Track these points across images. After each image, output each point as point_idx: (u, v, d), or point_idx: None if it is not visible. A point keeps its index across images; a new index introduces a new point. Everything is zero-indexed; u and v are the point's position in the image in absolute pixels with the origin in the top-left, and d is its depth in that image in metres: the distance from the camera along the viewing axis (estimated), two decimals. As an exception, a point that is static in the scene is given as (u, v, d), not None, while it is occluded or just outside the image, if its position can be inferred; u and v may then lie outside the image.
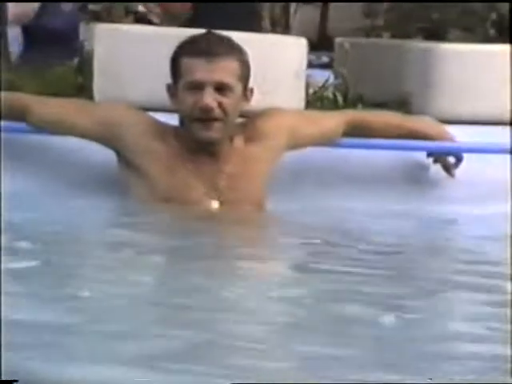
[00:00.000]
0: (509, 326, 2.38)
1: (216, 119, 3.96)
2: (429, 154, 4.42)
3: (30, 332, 2.11)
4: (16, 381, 1.47)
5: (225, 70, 4.04)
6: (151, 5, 5.16)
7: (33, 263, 3.06)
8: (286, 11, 5.58)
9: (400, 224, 4.22)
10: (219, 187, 4.14)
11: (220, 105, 3.94)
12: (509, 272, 3.29)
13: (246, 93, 3.97)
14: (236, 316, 2.54)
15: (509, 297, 2.90)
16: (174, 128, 4.06)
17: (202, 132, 3.98)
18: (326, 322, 2.55)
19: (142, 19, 4.75)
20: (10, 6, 8.17)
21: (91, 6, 5.92)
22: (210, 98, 3.92)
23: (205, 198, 4.13)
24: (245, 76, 4.00)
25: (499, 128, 4.54)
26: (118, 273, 3.11)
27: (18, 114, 4.22)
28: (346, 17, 6.95)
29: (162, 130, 4.10)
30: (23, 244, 3.31)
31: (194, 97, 3.94)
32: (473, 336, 2.39)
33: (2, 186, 4.13)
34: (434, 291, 3.04)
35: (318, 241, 3.84)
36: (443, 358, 2.19)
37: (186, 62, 4.00)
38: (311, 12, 7.93)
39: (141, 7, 4.88)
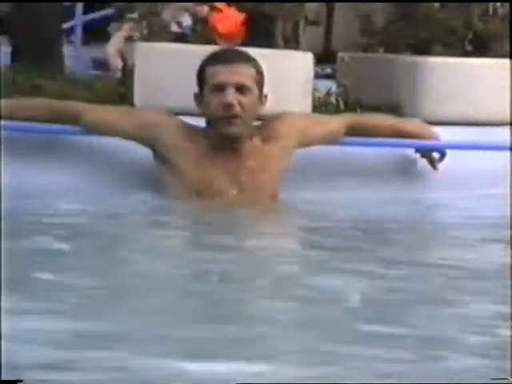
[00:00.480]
0: (484, 297, 2.84)
1: (236, 116, 4.39)
2: (416, 150, 4.84)
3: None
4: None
5: (243, 73, 4.49)
6: (186, 25, 5.53)
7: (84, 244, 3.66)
8: (296, 30, 5.50)
9: (392, 209, 4.69)
10: (241, 180, 4.57)
11: (240, 103, 4.38)
12: (483, 245, 3.98)
13: (262, 97, 4.41)
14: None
15: (481, 264, 3.56)
16: (202, 129, 4.49)
17: (226, 127, 4.41)
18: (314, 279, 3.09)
19: (178, 38, 5.20)
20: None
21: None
22: (231, 97, 4.37)
23: (229, 190, 4.57)
24: (260, 82, 4.44)
25: (478, 128, 5.00)
26: (161, 247, 3.77)
27: (72, 119, 4.65)
28: (347, 35, 7.19)
29: (192, 131, 4.53)
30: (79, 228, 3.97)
31: (217, 97, 4.39)
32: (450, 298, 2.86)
33: (60, 181, 4.67)
34: (418, 262, 3.62)
35: (323, 223, 4.42)
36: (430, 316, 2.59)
37: (210, 69, 4.47)
38: (317, 31, 8.33)
39: (175, 27, 5.29)
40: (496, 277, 3.33)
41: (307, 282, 3.25)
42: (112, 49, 6.85)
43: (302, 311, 2.79)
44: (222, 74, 4.51)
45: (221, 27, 5.40)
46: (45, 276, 2.95)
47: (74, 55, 8.08)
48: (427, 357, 2.20)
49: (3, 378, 1.51)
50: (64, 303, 2.54)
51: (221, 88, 4.42)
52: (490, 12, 5.99)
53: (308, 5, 6.23)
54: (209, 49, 4.70)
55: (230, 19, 5.58)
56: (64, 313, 2.34)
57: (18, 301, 2.36)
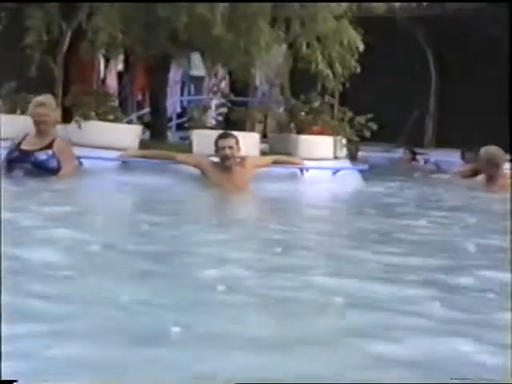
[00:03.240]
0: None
1: (229, 158, 7.68)
2: (301, 170, 8.48)
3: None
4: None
5: (231, 141, 7.75)
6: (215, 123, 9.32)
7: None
8: (253, 126, 9.58)
9: (289, 192, 8.16)
10: (233, 182, 7.70)
11: (231, 153, 7.68)
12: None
13: (239, 149, 7.69)
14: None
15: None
16: (218, 162, 7.81)
17: (225, 162, 7.72)
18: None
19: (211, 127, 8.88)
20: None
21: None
22: (227, 152, 7.69)
23: (228, 186, 7.68)
24: (237, 144, 7.71)
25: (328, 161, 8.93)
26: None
27: (170, 158, 7.97)
28: (275, 126, 10.49)
29: (214, 163, 7.79)
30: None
31: (221, 152, 7.73)
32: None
33: (165, 181, 7.74)
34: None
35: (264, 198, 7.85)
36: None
37: (218, 140, 7.80)
38: (261, 125, 11.19)
39: (210, 122, 9.21)
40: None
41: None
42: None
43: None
44: (222, 142, 7.83)
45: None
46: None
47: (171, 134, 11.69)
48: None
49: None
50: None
51: (222, 148, 7.76)
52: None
53: (261, 115, 9.77)
54: (218, 132, 8.18)
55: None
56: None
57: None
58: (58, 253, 3.73)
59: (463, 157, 12.20)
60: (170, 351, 2.23)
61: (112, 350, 2.22)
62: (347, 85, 9.30)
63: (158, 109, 10.14)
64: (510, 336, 2.14)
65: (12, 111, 8.83)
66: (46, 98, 7.64)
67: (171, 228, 5.04)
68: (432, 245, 5.01)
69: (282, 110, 10.51)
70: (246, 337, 2.47)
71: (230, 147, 7.72)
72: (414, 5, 22.33)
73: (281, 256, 3.99)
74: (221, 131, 8.42)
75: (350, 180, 9.43)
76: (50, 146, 7.29)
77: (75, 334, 2.35)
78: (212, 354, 2.26)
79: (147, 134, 9.71)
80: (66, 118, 8.34)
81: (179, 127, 13.09)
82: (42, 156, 7.23)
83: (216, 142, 7.91)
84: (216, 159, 8.01)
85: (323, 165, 9.17)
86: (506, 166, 9.00)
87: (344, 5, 9.19)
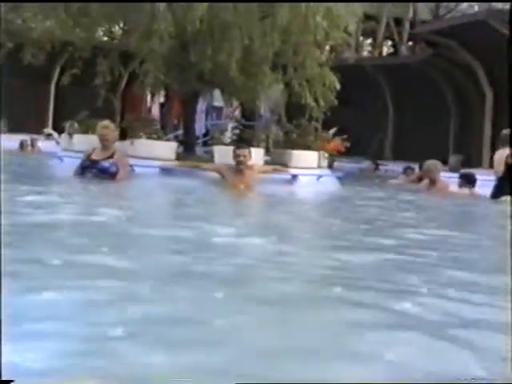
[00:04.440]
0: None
1: (243, 163, 7.53)
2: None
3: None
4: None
5: (245, 151, 7.65)
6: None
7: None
8: (258, 143, 9.41)
9: (284, 192, 7.87)
10: (244, 184, 7.50)
11: (244, 160, 7.55)
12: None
13: (251, 157, 7.60)
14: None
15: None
16: (233, 166, 7.66)
17: (239, 166, 7.57)
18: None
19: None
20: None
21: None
22: (241, 159, 7.53)
23: (240, 186, 7.50)
24: (250, 154, 7.60)
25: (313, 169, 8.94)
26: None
27: (196, 167, 8.08)
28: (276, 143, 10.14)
29: (230, 167, 7.73)
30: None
31: (237, 158, 7.58)
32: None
33: (192, 182, 7.74)
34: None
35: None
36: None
37: (236, 150, 7.71)
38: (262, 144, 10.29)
39: (228, 139, 9.71)
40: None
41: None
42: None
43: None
44: (239, 151, 7.71)
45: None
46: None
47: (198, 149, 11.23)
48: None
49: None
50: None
51: (238, 156, 7.63)
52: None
53: (264, 135, 9.82)
54: (232, 147, 8.06)
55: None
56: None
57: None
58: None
59: (420, 167, 12.13)
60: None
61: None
62: (328, 114, 9.40)
63: (188, 130, 10.22)
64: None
65: (85, 132, 9.10)
66: (108, 122, 7.71)
67: (198, 213, 5.13)
68: (379, 222, 5.32)
69: (279, 131, 10.54)
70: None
71: (244, 156, 7.69)
72: (377, 56, 22.58)
73: (277, 231, 4.11)
74: (236, 146, 8.40)
75: (330, 184, 9.36)
76: (111, 157, 7.33)
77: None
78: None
79: (181, 148, 9.70)
80: (123, 136, 8.46)
81: (204, 144, 13.15)
82: (106, 164, 7.28)
83: (234, 151, 7.87)
84: (231, 166, 7.95)
85: (309, 172, 9.11)
86: (443, 174, 9.23)
87: (325, 55, 9.69)
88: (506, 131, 8.35)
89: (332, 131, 9.09)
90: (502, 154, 8.06)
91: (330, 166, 10.17)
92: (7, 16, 8.90)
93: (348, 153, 9.99)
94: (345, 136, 9.66)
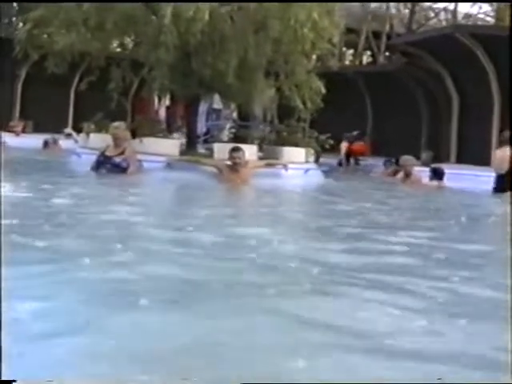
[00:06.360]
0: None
1: (238, 164, 7.40)
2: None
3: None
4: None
5: (239, 153, 7.46)
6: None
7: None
8: (253, 141, 9.00)
9: (275, 184, 7.54)
10: (239, 178, 7.36)
11: (239, 161, 7.39)
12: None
13: (244, 157, 7.39)
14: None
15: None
16: (229, 164, 7.46)
17: (235, 166, 7.41)
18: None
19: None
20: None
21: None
22: (237, 160, 7.39)
23: (237, 180, 7.33)
24: (244, 153, 7.40)
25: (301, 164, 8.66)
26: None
27: (197, 162, 7.88)
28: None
29: (227, 165, 7.49)
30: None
31: (233, 160, 7.41)
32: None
33: (194, 176, 7.44)
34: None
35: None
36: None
37: (231, 152, 7.49)
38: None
39: (226, 137, 9.57)
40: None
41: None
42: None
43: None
44: (234, 153, 7.52)
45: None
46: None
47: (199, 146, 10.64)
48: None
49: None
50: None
51: (233, 157, 7.44)
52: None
53: (258, 134, 9.59)
54: (230, 145, 8.00)
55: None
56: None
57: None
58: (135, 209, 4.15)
59: (396, 162, 12.10)
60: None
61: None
62: (314, 115, 9.39)
63: (191, 130, 10.04)
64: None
65: (100, 131, 9.01)
66: (119, 123, 7.64)
67: (198, 204, 5.16)
68: (351, 213, 5.33)
69: (271, 130, 10.41)
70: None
71: (239, 157, 7.52)
72: (357, 64, 22.63)
73: (268, 218, 4.26)
74: (232, 145, 8.22)
75: (316, 177, 9.20)
76: (122, 153, 7.25)
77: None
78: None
79: (184, 146, 9.54)
80: (133, 135, 8.28)
81: (205, 141, 12.60)
82: (118, 160, 7.19)
83: (230, 153, 7.69)
84: (229, 163, 7.79)
85: (298, 166, 8.91)
86: (416, 168, 9.19)
87: (312, 64, 9.62)
88: (506, 133, 8.33)
89: (354, 133, 9.05)
90: (503, 152, 7.91)
91: (316, 161, 10.08)
92: (33, 31, 9.03)
93: (332, 150, 10.19)
94: (328, 134, 9.63)
